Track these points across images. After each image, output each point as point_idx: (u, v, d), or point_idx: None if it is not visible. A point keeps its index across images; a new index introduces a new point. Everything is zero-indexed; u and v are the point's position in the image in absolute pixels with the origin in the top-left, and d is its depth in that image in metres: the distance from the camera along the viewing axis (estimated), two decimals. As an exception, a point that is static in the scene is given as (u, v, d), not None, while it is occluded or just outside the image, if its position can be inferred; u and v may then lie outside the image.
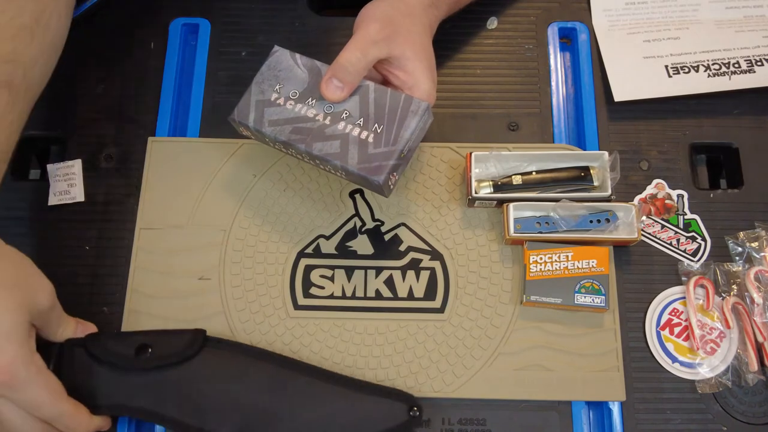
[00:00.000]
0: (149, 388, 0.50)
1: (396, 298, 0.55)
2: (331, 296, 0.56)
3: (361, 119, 0.52)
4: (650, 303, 0.55)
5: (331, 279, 0.56)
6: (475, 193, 0.55)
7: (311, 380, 0.51)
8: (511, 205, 0.55)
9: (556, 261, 0.54)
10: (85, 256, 0.57)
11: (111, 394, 0.50)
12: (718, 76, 0.61)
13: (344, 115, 0.52)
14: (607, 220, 0.54)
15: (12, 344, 0.43)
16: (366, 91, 0.52)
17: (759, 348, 0.53)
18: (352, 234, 0.57)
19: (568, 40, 0.65)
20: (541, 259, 0.54)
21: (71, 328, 0.50)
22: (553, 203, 0.55)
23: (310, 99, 0.53)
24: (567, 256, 0.54)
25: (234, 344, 0.52)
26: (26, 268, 0.46)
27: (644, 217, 0.58)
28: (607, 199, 0.55)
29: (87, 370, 0.50)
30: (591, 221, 0.54)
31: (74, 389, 0.48)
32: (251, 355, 0.51)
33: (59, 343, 0.50)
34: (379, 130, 0.51)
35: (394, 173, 0.51)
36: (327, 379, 0.51)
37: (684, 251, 0.57)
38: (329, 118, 0.52)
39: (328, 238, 0.57)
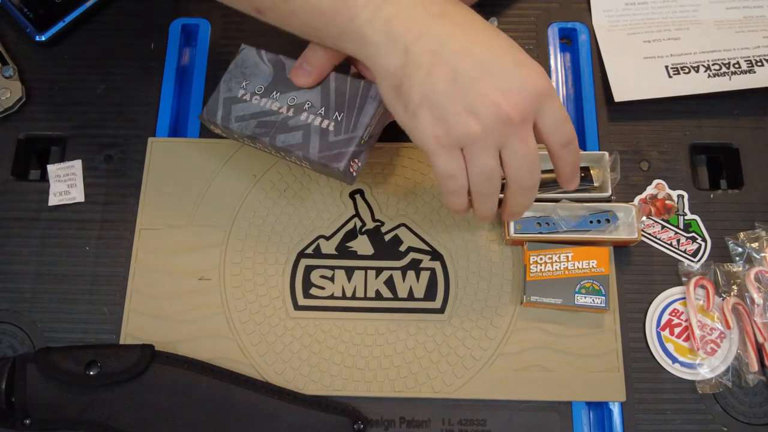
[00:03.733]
0: (101, 402, 0.51)
1: (396, 298, 0.55)
2: (331, 297, 0.56)
3: (323, 108, 0.52)
4: (650, 303, 0.55)
5: (332, 279, 0.56)
6: (476, 193, 0.55)
7: (257, 395, 0.52)
8: None
9: (556, 261, 0.54)
10: (85, 256, 0.57)
11: (64, 408, 0.51)
12: (718, 76, 0.61)
13: (306, 105, 0.53)
14: (608, 221, 0.54)
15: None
16: (327, 81, 0.53)
17: (759, 348, 0.53)
18: (352, 234, 0.57)
19: (568, 41, 0.65)
20: (541, 259, 0.54)
21: None
22: (554, 203, 0.55)
23: (274, 93, 0.54)
24: (567, 257, 0.54)
25: (182, 359, 0.53)
26: None
27: (644, 218, 0.58)
28: (607, 200, 0.55)
29: (39, 386, 0.51)
30: (591, 222, 0.54)
31: (27, 404, 0.50)
32: (199, 370, 0.52)
33: (11, 358, 0.52)
34: (339, 118, 0.52)
35: (356, 159, 0.52)
36: (273, 394, 0.52)
37: (684, 252, 0.57)
38: (292, 110, 0.53)
39: (328, 238, 0.57)
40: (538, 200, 0.55)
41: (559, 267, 0.53)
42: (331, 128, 0.52)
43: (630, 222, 0.54)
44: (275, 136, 0.53)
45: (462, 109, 0.42)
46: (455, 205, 0.47)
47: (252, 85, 0.55)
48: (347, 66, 0.55)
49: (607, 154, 0.55)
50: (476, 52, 0.42)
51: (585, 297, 0.53)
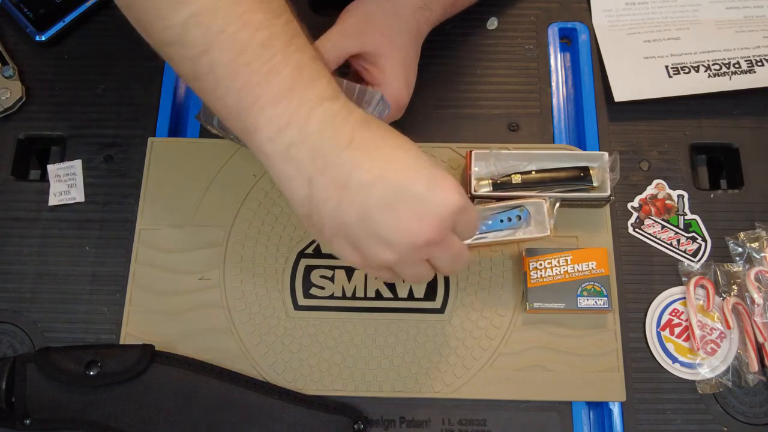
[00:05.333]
0: (101, 402, 0.51)
1: (396, 298, 0.55)
2: (332, 296, 0.56)
3: None
4: (650, 303, 0.55)
5: (331, 279, 0.56)
6: (475, 191, 0.55)
7: (258, 395, 0.52)
8: None
9: (555, 266, 0.54)
10: (85, 256, 0.57)
11: (64, 408, 0.51)
12: (718, 76, 0.61)
13: None
14: (519, 217, 0.53)
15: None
16: None
17: (759, 348, 0.53)
18: (352, 234, 0.57)
19: (568, 41, 0.65)
20: (540, 265, 0.54)
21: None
22: None
23: None
24: (566, 260, 0.54)
25: (182, 359, 0.53)
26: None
27: (645, 218, 0.58)
28: (607, 200, 0.55)
29: (39, 386, 0.51)
30: (502, 220, 0.53)
31: (27, 404, 0.50)
32: (199, 370, 0.52)
33: (11, 358, 0.52)
34: None
35: None
36: (273, 394, 0.52)
37: (684, 251, 0.57)
38: None
39: (328, 238, 0.57)
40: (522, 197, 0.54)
41: (559, 271, 0.53)
42: None
43: (541, 218, 0.53)
44: None
45: (376, 241, 0.41)
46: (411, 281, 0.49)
47: None
48: (347, 68, 0.55)
49: (606, 154, 0.55)
50: (385, 182, 0.40)
51: (587, 299, 0.53)
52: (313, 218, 0.42)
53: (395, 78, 0.53)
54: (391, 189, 0.40)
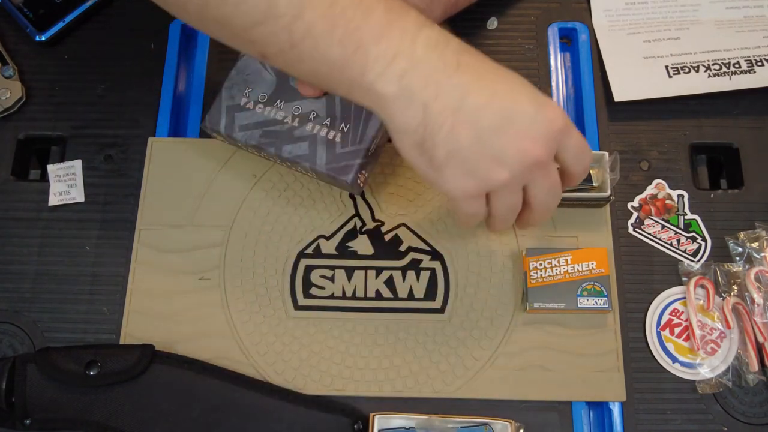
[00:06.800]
0: (101, 402, 0.51)
1: (396, 298, 0.55)
2: (332, 296, 0.56)
3: (328, 119, 0.52)
4: (650, 303, 0.55)
5: (332, 279, 0.56)
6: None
7: (257, 395, 0.52)
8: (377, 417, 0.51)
9: (555, 266, 0.54)
10: (85, 256, 0.57)
11: (64, 408, 0.51)
12: (718, 76, 0.61)
13: (312, 116, 0.53)
14: None
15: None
16: None
17: (759, 348, 0.53)
18: (352, 234, 0.57)
19: (568, 41, 0.65)
20: (540, 265, 0.54)
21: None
22: (428, 416, 0.51)
23: (278, 101, 0.54)
24: (566, 260, 0.54)
25: (182, 359, 0.53)
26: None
27: (645, 218, 0.58)
28: (607, 200, 0.55)
29: (39, 386, 0.51)
30: None
31: (27, 404, 0.50)
32: (199, 370, 0.52)
33: (11, 358, 0.52)
34: (345, 130, 0.52)
35: (363, 171, 0.52)
36: (273, 394, 0.52)
37: (684, 251, 0.57)
38: (297, 119, 0.53)
39: (328, 238, 0.57)
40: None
41: (559, 271, 0.53)
42: (338, 139, 0.52)
43: None
44: (281, 146, 0.52)
45: (490, 161, 0.42)
46: (470, 226, 0.48)
47: (255, 93, 0.54)
48: None
49: (606, 154, 0.55)
50: (496, 103, 0.41)
51: (587, 299, 0.53)
52: (425, 145, 0.42)
53: None
54: (502, 110, 0.41)
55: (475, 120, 0.41)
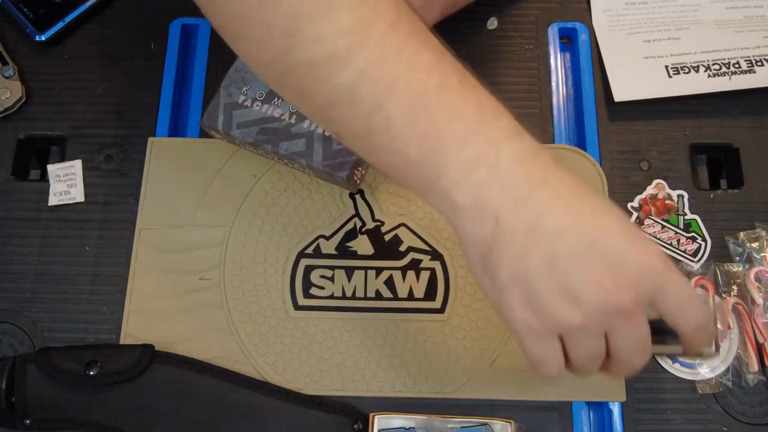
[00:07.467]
0: (101, 402, 0.51)
1: (396, 298, 0.55)
2: (332, 296, 0.56)
3: None
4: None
5: (331, 279, 0.56)
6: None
7: (257, 395, 0.52)
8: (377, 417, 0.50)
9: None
10: (85, 256, 0.57)
11: (64, 408, 0.51)
12: (718, 76, 0.61)
13: None
14: None
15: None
16: None
17: (759, 348, 0.53)
18: (352, 234, 0.57)
19: (568, 41, 0.65)
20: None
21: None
22: (428, 416, 0.51)
23: (276, 99, 0.54)
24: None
25: (182, 359, 0.53)
26: None
27: (645, 218, 0.58)
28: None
29: (39, 386, 0.51)
30: None
31: (27, 404, 0.50)
32: (199, 370, 0.52)
33: (11, 358, 0.52)
34: None
35: (359, 168, 0.52)
36: (273, 394, 0.52)
37: (684, 252, 0.57)
38: (294, 116, 0.53)
39: (328, 238, 0.57)
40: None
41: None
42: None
43: None
44: (278, 143, 0.53)
45: (560, 295, 0.36)
46: (545, 376, 0.40)
47: (253, 90, 0.55)
48: None
49: (710, 298, 0.48)
50: (580, 230, 0.36)
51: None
52: (490, 261, 0.38)
53: None
54: (586, 238, 0.36)
55: (552, 244, 0.36)
